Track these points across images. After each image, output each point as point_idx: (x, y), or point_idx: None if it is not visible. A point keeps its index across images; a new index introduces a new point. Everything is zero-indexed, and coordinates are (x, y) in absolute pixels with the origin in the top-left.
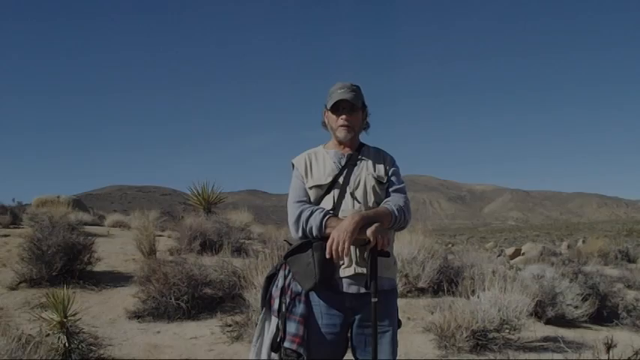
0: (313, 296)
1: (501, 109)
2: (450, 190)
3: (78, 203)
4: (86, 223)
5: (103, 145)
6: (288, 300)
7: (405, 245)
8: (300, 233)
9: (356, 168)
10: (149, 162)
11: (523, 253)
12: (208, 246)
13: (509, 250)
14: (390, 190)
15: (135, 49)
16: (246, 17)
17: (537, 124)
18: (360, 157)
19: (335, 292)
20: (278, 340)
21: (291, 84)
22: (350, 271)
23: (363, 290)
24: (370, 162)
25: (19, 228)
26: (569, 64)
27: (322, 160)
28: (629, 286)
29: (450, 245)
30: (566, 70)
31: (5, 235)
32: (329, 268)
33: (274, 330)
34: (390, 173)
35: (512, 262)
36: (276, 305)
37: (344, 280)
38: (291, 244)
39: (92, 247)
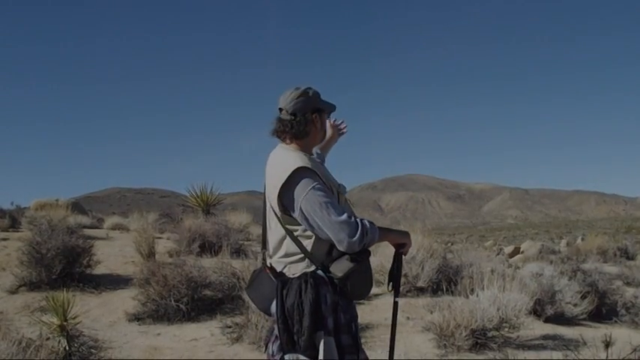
0: (347, 306)
1: (499, 107)
2: (448, 189)
3: (77, 206)
4: (85, 226)
5: (100, 148)
6: (347, 314)
7: None
8: (360, 248)
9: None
10: (147, 164)
11: (522, 252)
12: (207, 248)
13: (508, 249)
14: None
15: (134, 49)
16: (241, 11)
17: (535, 122)
18: None
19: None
20: (352, 357)
21: (289, 82)
22: None
23: None
24: None
25: (18, 231)
26: (568, 60)
27: (321, 165)
28: (627, 284)
29: (449, 244)
30: (564, 68)
31: (4, 239)
32: None
33: (335, 349)
34: None
35: (511, 260)
36: (331, 324)
37: None
38: (357, 261)
39: (91, 250)
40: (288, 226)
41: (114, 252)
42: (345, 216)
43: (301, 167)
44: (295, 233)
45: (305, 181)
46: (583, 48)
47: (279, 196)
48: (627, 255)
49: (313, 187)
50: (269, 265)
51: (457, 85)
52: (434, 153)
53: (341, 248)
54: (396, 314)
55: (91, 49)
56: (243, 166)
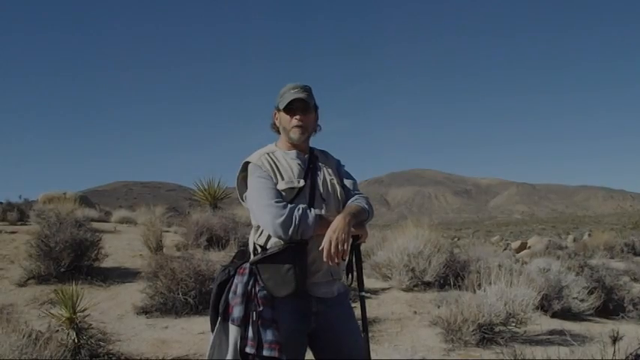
0: (280, 301)
1: (506, 101)
2: (455, 184)
3: (84, 199)
4: (93, 220)
5: (107, 142)
6: (260, 307)
7: (411, 239)
8: (289, 234)
9: (319, 171)
10: (154, 158)
11: (529, 247)
12: (215, 241)
13: (515, 244)
14: (352, 190)
15: (137, 48)
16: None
17: (542, 117)
18: (318, 159)
19: (302, 296)
20: (245, 349)
21: (295, 75)
22: (328, 276)
23: (330, 294)
24: (326, 165)
25: (26, 225)
26: (573, 53)
27: (285, 161)
28: (635, 279)
29: (455, 239)
30: (572, 62)
31: (13, 232)
32: (306, 273)
33: (238, 339)
34: (342, 175)
35: (518, 255)
36: (237, 313)
37: (313, 284)
38: (265, 251)
39: (99, 244)
40: (251, 217)
41: (122, 245)
42: (273, 200)
43: (246, 162)
44: (253, 223)
45: (249, 172)
46: (592, 43)
47: (236, 188)
48: (634, 251)
49: (253, 176)
50: None
51: (464, 79)
52: (440, 147)
53: (270, 232)
54: (365, 309)
55: (97, 42)
56: None
